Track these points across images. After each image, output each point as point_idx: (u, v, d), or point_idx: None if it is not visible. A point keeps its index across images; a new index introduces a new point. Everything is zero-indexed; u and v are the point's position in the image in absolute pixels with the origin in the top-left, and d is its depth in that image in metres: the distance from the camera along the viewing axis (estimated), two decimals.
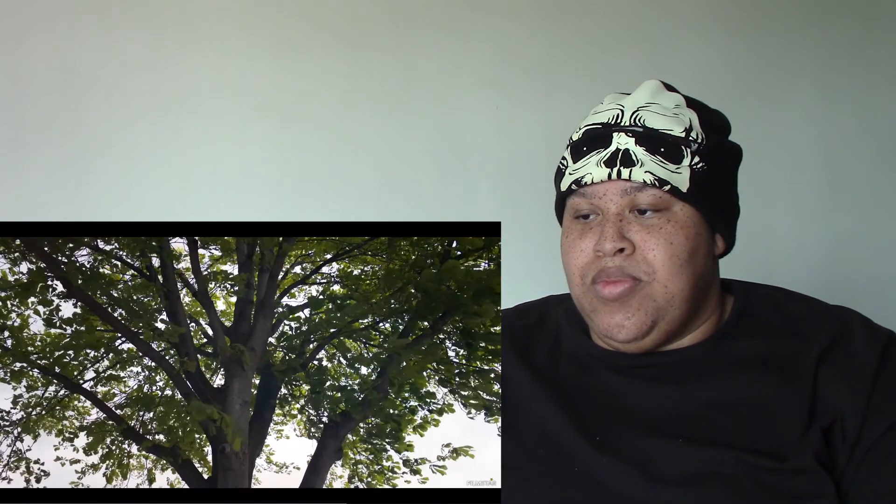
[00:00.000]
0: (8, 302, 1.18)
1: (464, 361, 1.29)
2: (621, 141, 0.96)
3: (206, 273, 1.28)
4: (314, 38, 1.80)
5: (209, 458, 1.20)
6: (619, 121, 0.98)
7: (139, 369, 1.27)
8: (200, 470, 1.23)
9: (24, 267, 1.15)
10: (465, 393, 1.29)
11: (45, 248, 1.14)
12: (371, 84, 1.80)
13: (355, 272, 1.32)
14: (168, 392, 1.26)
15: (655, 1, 1.85)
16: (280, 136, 1.79)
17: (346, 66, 1.80)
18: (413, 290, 1.23)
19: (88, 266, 1.19)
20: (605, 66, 1.82)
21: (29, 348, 1.21)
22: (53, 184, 1.74)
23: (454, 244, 1.21)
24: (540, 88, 1.82)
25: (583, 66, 1.82)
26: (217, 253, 1.29)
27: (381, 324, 1.30)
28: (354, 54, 1.80)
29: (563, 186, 1.00)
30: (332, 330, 1.29)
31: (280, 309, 1.30)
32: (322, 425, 1.30)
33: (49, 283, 1.18)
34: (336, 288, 1.33)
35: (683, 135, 0.96)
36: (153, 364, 1.24)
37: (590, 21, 1.84)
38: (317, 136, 1.80)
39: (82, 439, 1.26)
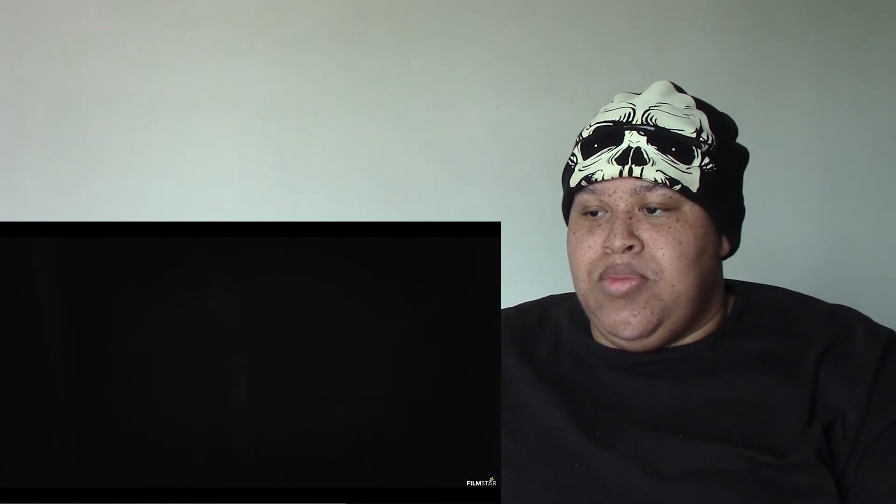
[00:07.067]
0: None
1: None
2: (633, 139, 0.96)
3: None
4: (313, 38, 1.79)
5: None
6: (630, 119, 0.98)
7: None
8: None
9: None
10: None
11: None
12: (370, 84, 1.80)
13: None
14: None
15: (655, 1, 1.85)
16: (279, 137, 1.79)
17: (345, 67, 1.80)
18: None
19: None
20: (605, 66, 1.82)
21: None
22: (53, 184, 1.74)
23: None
24: (540, 88, 1.82)
25: (583, 66, 1.82)
26: None
27: None
28: (353, 55, 1.80)
29: (573, 183, 1.00)
30: None
31: None
32: None
33: None
34: None
35: (694, 135, 0.96)
36: None
37: (590, 21, 1.83)
38: (316, 137, 1.79)
39: None
